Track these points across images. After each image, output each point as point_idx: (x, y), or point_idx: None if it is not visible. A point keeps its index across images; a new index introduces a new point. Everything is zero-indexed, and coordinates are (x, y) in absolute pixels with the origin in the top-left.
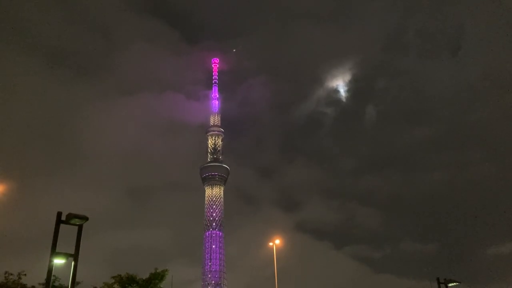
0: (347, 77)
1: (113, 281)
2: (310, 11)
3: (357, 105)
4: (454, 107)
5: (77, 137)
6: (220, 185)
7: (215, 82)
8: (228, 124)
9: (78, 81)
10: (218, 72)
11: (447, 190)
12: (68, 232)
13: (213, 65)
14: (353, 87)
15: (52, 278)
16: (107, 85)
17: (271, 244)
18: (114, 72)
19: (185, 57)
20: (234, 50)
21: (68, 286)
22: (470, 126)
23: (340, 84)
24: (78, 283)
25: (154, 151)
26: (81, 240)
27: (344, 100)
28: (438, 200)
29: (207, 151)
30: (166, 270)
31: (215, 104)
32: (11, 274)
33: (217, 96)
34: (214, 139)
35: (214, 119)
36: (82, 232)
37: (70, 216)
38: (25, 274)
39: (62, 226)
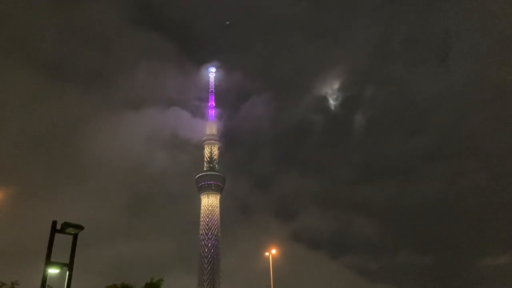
0: (336, 85)
1: None
2: (299, 24)
3: (346, 113)
4: (445, 115)
5: (79, 150)
6: (216, 193)
7: (212, 91)
8: (224, 134)
9: (80, 94)
10: (215, 85)
11: (442, 200)
12: (67, 242)
13: (209, 74)
14: (341, 95)
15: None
16: (108, 99)
17: (267, 254)
18: (116, 86)
19: (190, 73)
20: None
21: None
22: (463, 134)
23: (328, 92)
24: None
25: (157, 165)
26: (80, 250)
27: (333, 108)
28: (433, 210)
29: (204, 160)
30: (161, 280)
31: (212, 113)
32: (4, 284)
33: (214, 105)
34: (211, 148)
35: (211, 128)
36: (80, 242)
37: (65, 225)
38: (18, 284)
39: (60, 236)
